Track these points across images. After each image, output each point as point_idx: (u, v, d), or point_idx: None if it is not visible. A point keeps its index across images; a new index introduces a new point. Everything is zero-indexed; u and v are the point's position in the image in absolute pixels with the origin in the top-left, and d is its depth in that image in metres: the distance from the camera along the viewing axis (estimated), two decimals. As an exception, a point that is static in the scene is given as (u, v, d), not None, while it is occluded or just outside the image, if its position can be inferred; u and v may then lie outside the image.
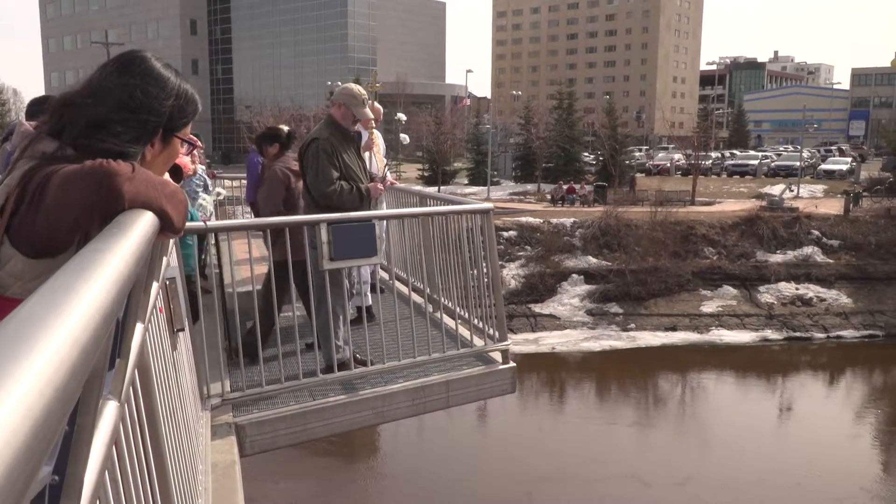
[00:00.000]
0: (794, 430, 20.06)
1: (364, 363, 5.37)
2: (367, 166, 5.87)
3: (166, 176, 1.95)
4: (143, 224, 1.40)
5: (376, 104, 8.54)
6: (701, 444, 18.62)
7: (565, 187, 41.79)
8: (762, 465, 16.66)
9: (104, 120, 1.74)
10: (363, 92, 5.61)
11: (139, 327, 1.57)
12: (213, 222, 4.62)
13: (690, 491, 15.56)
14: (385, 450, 18.45)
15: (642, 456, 17.55)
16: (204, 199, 5.90)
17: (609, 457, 17.43)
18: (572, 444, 18.46)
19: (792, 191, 40.66)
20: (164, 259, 2.50)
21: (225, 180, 13.48)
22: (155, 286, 2.03)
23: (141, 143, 1.82)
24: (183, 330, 3.07)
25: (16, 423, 0.49)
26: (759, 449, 17.71)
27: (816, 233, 31.30)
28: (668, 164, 54.42)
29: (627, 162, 50.76)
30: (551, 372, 24.12)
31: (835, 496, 15.50)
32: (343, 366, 5.20)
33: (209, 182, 9.93)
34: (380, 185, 5.67)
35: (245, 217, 11.55)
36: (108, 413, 1.16)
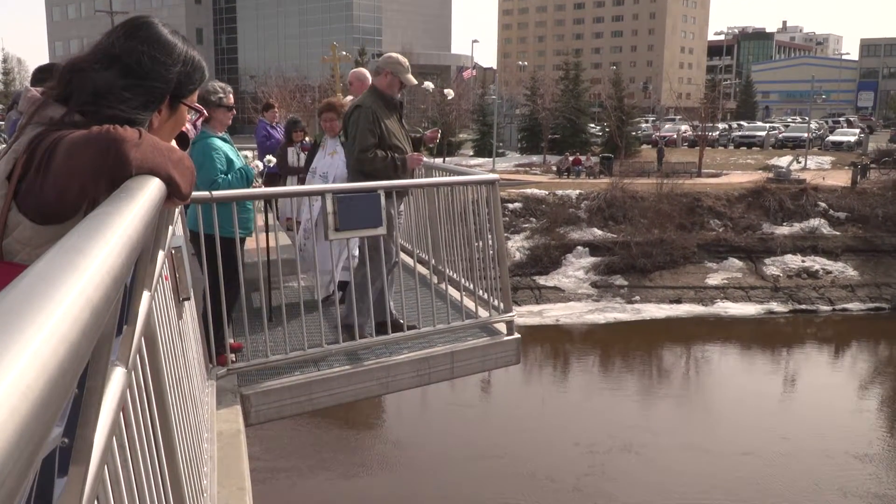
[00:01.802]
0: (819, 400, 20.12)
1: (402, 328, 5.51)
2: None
3: (173, 143, 1.95)
4: (150, 190, 1.40)
5: (363, 69, 8.56)
6: (740, 416, 18.51)
7: (571, 159, 41.63)
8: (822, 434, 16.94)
9: (111, 86, 1.74)
10: (406, 60, 5.70)
11: (146, 295, 1.58)
12: (217, 192, 4.62)
13: (758, 461, 15.61)
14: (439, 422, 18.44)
15: (684, 427, 17.61)
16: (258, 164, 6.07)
17: (650, 427, 17.43)
18: (607, 415, 18.51)
19: (799, 162, 40.42)
20: (170, 228, 2.50)
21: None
22: (161, 254, 2.03)
23: (148, 109, 1.81)
24: (189, 299, 3.08)
25: (31, 378, 0.49)
26: (808, 421, 17.95)
27: (823, 205, 31.17)
28: (675, 136, 54.12)
29: (634, 133, 50.51)
30: (555, 344, 24.18)
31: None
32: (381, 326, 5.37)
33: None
34: (417, 156, 5.69)
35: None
36: (116, 378, 1.17)
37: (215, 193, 4.60)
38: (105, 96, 1.73)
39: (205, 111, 2.27)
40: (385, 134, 5.48)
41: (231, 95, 5.21)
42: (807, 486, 14.78)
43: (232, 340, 4.81)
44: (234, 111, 5.30)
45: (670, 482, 14.75)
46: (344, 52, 10.90)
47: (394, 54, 5.76)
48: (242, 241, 4.95)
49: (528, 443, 16.49)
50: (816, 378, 22.04)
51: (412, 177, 5.89)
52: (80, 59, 1.79)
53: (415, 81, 5.75)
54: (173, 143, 1.96)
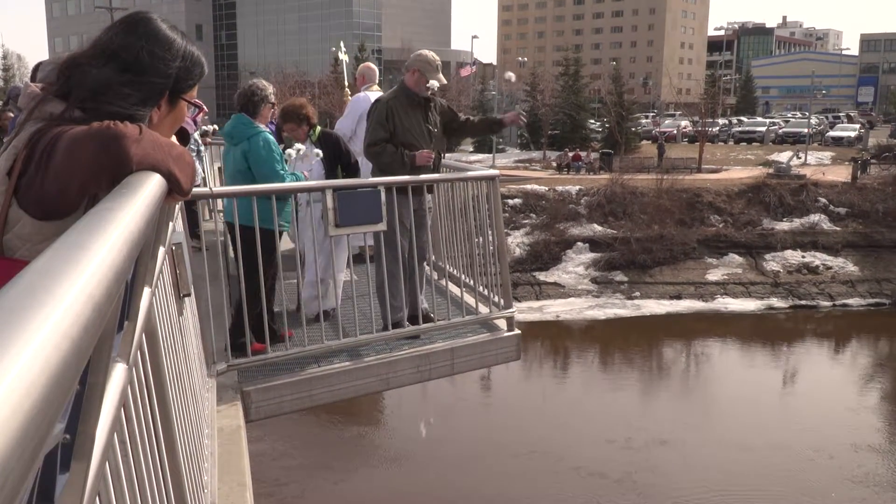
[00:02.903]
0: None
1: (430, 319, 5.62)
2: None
3: (173, 138, 1.95)
4: (151, 186, 1.40)
5: (371, 64, 8.59)
6: (760, 411, 18.45)
7: (570, 154, 41.60)
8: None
9: (111, 82, 1.74)
10: (437, 59, 5.68)
11: (146, 291, 1.58)
12: (218, 188, 4.63)
13: (793, 454, 15.69)
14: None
15: (709, 422, 17.61)
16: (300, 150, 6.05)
17: (676, 422, 17.45)
18: (624, 410, 18.50)
19: (799, 158, 40.40)
20: (171, 224, 2.50)
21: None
22: (161, 250, 2.03)
23: (148, 105, 1.81)
24: (189, 295, 3.08)
25: (34, 374, 0.49)
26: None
27: (823, 200, 31.15)
28: (675, 131, 54.06)
29: (633, 129, 50.46)
30: (556, 340, 24.18)
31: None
32: (398, 325, 5.40)
33: (202, 148, 9.89)
34: (426, 153, 5.59)
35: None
36: (117, 375, 1.17)
37: (215, 189, 4.62)
38: (104, 92, 1.73)
39: (204, 106, 2.27)
40: (399, 129, 5.50)
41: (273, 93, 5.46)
42: (847, 480, 14.84)
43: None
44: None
45: (713, 478, 14.78)
46: (343, 52, 10.93)
47: (425, 52, 5.72)
48: (281, 234, 5.12)
49: (557, 438, 16.47)
50: (826, 373, 22.06)
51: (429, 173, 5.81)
52: (80, 55, 1.79)
53: (443, 81, 5.72)
54: (174, 138, 1.96)
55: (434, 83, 5.62)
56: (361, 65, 8.54)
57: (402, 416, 18.50)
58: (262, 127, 5.26)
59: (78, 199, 1.55)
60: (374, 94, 7.97)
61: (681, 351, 24.03)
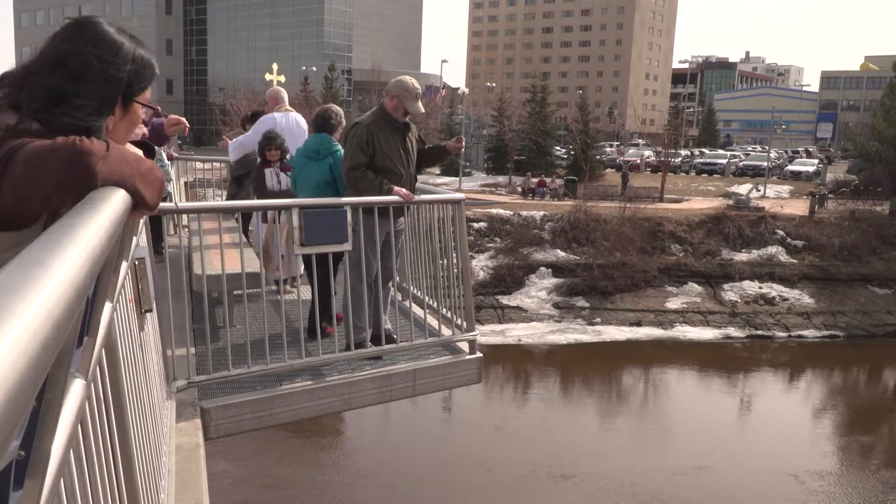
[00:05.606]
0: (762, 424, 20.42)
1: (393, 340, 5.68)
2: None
3: (139, 152, 1.93)
4: (115, 202, 1.39)
5: (280, 88, 8.92)
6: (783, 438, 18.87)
7: (535, 180, 41.91)
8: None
9: (62, 91, 1.69)
10: (417, 87, 5.68)
11: (108, 306, 1.56)
12: (183, 203, 4.59)
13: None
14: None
15: (751, 448, 17.90)
16: None
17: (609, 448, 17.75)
18: (569, 435, 18.69)
19: (759, 191, 41.12)
20: (134, 239, 2.47)
21: (196, 162, 13.27)
22: (124, 266, 2.01)
23: (104, 114, 1.77)
24: (151, 311, 3.04)
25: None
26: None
27: (781, 233, 31.72)
28: (638, 161, 54.77)
29: (598, 157, 51.00)
30: (517, 363, 24.23)
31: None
32: (361, 345, 5.40)
33: (168, 164, 9.80)
34: (405, 192, 5.59)
35: (217, 199, 11.44)
36: (75, 390, 1.15)
37: (180, 205, 4.58)
38: (58, 103, 1.69)
39: (158, 107, 2.25)
40: (379, 154, 5.51)
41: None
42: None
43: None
44: None
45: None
46: (276, 75, 11.42)
47: (405, 78, 5.72)
48: None
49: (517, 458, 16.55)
50: (802, 401, 22.52)
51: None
52: (29, 64, 1.75)
53: (421, 110, 5.74)
54: (139, 151, 1.94)
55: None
56: (270, 89, 8.77)
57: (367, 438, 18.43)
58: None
59: (38, 212, 1.52)
60: (284, 114, 8.00)
61: (640, 377, 24.21)
